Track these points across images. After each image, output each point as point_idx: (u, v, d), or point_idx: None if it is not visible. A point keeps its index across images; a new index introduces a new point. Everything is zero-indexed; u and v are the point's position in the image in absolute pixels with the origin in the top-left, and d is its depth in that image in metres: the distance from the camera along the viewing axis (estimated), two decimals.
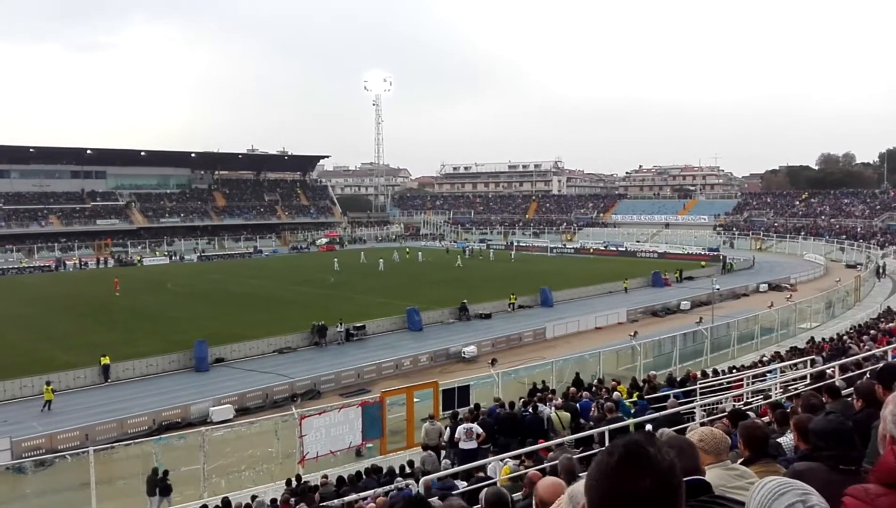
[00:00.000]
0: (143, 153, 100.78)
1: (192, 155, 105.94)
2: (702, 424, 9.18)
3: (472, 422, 15.10)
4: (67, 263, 77.81)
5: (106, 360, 30.00)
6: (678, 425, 9.68)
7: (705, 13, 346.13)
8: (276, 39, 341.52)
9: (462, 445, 14.48)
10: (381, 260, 67.24)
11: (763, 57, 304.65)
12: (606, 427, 11.21)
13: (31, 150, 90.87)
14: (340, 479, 14.88)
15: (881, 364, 9.97)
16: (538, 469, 7.82)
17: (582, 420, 14.36)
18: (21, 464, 20.08)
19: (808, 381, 12.54)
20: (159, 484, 17.19)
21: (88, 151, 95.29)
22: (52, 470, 19.86)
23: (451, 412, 19.71)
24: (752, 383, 16.67)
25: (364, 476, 14.65)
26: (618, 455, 1.34)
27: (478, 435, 14.48)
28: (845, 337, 23.93)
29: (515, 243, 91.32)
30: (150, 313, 44.56)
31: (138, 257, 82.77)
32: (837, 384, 9.37)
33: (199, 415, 25.39)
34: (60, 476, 19.57)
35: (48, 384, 26.80)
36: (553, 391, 19.76)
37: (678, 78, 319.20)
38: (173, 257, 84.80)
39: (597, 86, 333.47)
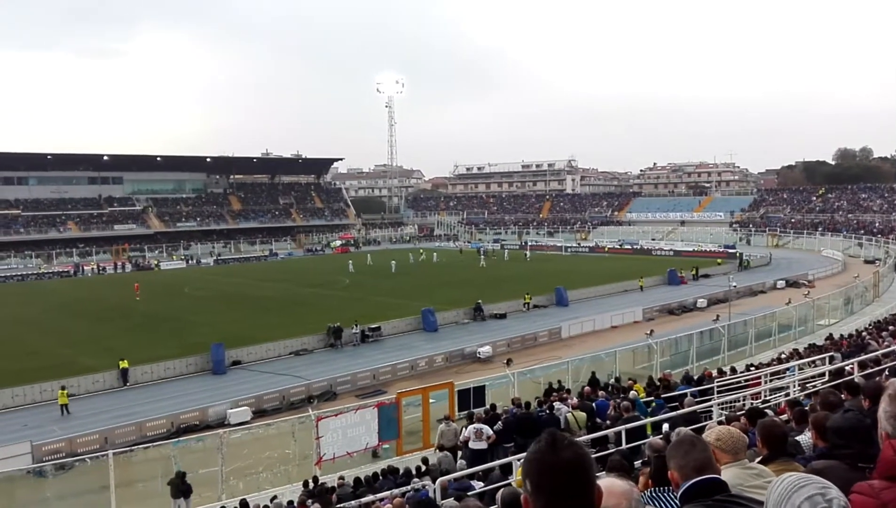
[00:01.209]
0: (159, 158, 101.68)
1: (208, 159, 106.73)
2: (719, 423, 9.11)
3: (483, 423, 15.07)
4: (85, 268, 78.57)
5: (124, 364, 30.26)
6: (695, 424, 9.62)
7: (719, 8, 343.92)
8: (289, 43, 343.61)
9: (472, 445, 14.47)
10: (394, 262, 67.34)
11: (778, 52, 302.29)
12: (623, 427, 11.15)
13: (48, 157, 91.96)
14: (357, 480, 14.93)
15: None
16: None
17: (598, 420, 14.30)
18: (42, 468, 20.29)
19: (826, 378, 12.42)
20: (182, 487, 17.28)
21: (105, 158, 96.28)
22: (72, 474, 20.06)
23: (466, 412, 19.72)
24: (770, 380, 16.52)
25: (381, 477, 14.68)
26: (545, 440, 1.83)
27: (488, 437, 14.45)
28: (864, 334, 23.67)
29: (530, 243, 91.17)
30: (167, 316, 44.91)
31: (155, 262, 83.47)
32: (857, 380, 9.27)
33: (217, 417, 25.55)
34: (80, 479, 19.75)
35: (63, 388, 27.05)
36: (568, 391, 19.69)
37: (692, 74, 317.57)
38: (190, 261, 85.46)
39: (610, 83, 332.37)
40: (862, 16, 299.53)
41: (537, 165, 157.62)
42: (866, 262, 64.61)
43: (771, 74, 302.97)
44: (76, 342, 37.55)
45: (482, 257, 75.04)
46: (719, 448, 3.35)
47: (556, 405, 15.65)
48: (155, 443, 21.39)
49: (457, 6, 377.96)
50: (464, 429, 16.19)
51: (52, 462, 20.64)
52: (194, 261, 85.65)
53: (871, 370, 10.90)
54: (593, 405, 15.19)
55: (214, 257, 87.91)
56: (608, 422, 13.32)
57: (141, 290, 55.12)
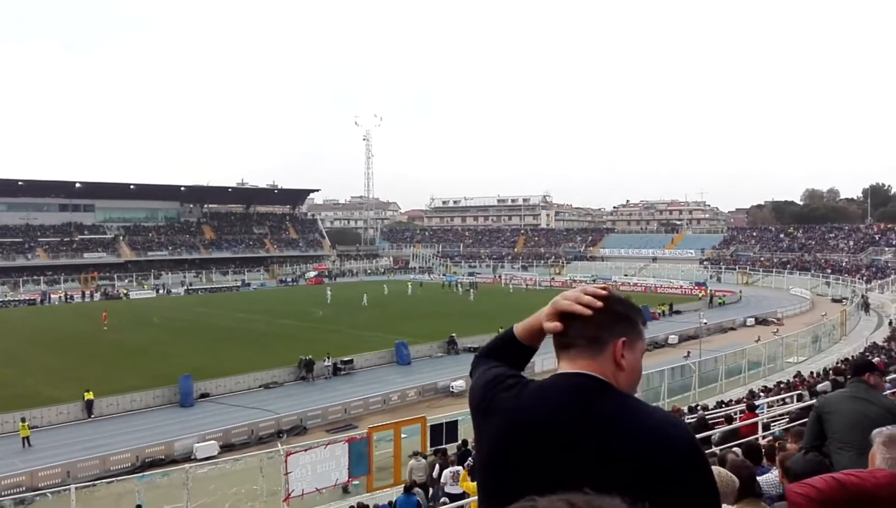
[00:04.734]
0: (132, 186, 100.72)
1: (182, 188, 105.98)
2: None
3: (459, 464, 14.90)
4: (53, 296, 77.06)
5: (89, 395, 29.58)
6: None
7: (692, 50, 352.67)
8: (269, 74, 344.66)
9: (448, 489, 14.28)
10: (365, 295, 66.75)
11: (747, 93, 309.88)
12: None
13: (19, 183, 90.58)
14: None
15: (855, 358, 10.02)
16: None
17: None
18: (0, 503, 19.68)
19: (797, 415, 12.54)
20: None
21: (77, 185, 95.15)
22: None
23: (435, 448, 19.56)
24: (739, 417, 16.60)
25: None
26: None
27: None
28: (831, 372, 23.99)
29: (511, 276, 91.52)
30: (135, 347, 44.07)
31: (124, 291, 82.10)
32: None
33: (183, 452, 25.03)
34: None
35: (23, 420, 26.37)
36: None
37: (665, 114, 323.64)
38: (160, 291, 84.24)
39: (584, 121, 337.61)
40: (831, 59, 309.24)
41: (513, 200, 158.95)
42: (834, 301, 65.72)
43: (741, 115, 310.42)
44: (40, 372, 36.65)
45: (472, 289, 74.36)
46: (724, 495, 3.30)
47: None
48: (119, 478, 20.87)
49: (439, 43, 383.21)
50: (437, 466, 16.06)
51: (11, 497, 20.04)
52: (164, 290, 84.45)
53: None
54: None
55: (185, 287, 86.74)
56: None
57: (109, 319, 54.19)
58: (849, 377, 5.05)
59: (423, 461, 16.95)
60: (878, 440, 2.50)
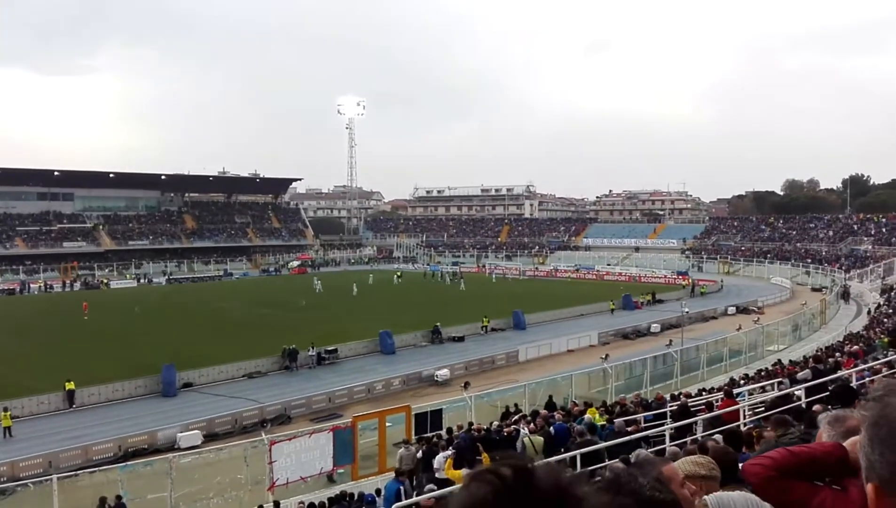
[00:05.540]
0: (111, 175, 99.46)
1: (163, 177, 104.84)
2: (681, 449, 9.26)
3: (448, 449, 14.97)
4: (32, 286, 76.20)
5: (70, 385, 29.35)
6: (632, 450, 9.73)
7: (674, 39, 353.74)
8: (251, 62, 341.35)
9: (440, 475, 14.31)
10: (354, 284, 66.65)
11: (729, 84, 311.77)
12: (578, 452, 11.24)
13: None
14: (311, 506, 14.74)
15: (836, 385, 10.21)
16: None
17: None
18: None
19: (773, 403, 12.72)
20: None
21: (56, 173, 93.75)
22: (13, 499, 19.32)
23: (420, 436, 19.62)
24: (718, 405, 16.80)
25: (337, 502, 14.51)
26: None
27: None
28: (811, 360, 24.29)
29: (494, 265, 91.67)
30: (117, 337, 43.74)
31: (104, 280, 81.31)
32: (804, 406, 9.55)
33: (167, 441, 24.93)
34: (22, 505, 19.05)
35: (5, 409, 26.13)
36: (524, 416, 19.75)
37: (646, 104, 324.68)
38: (141, 280, 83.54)
39: (566, 112, 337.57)
40: (812, 51, 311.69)
41: (496, 190, 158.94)
42: (813, 290, 66.52)
43: (722, 105, 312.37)
44: (20, 362, 36.27)
45: (462, 280, 74.17)
46: (714, 479, 3.32)
47: (515, 426, 15.67)
48: (101, 468, 20.74)
49: (423, 32, 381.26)
50: (420, 453, 16.10)
51: None
52: (146, 280, 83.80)
53: (819, 396, 11.21)
54: (551, 429, 15.22)
55: (167, 277, 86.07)
56: (563, 449, 13.35)
57: (90, 309, 53.69)
58: (836, 406, 5.19)
59: (412, 449, 17.01)
60: (824, 421, 2.71)
